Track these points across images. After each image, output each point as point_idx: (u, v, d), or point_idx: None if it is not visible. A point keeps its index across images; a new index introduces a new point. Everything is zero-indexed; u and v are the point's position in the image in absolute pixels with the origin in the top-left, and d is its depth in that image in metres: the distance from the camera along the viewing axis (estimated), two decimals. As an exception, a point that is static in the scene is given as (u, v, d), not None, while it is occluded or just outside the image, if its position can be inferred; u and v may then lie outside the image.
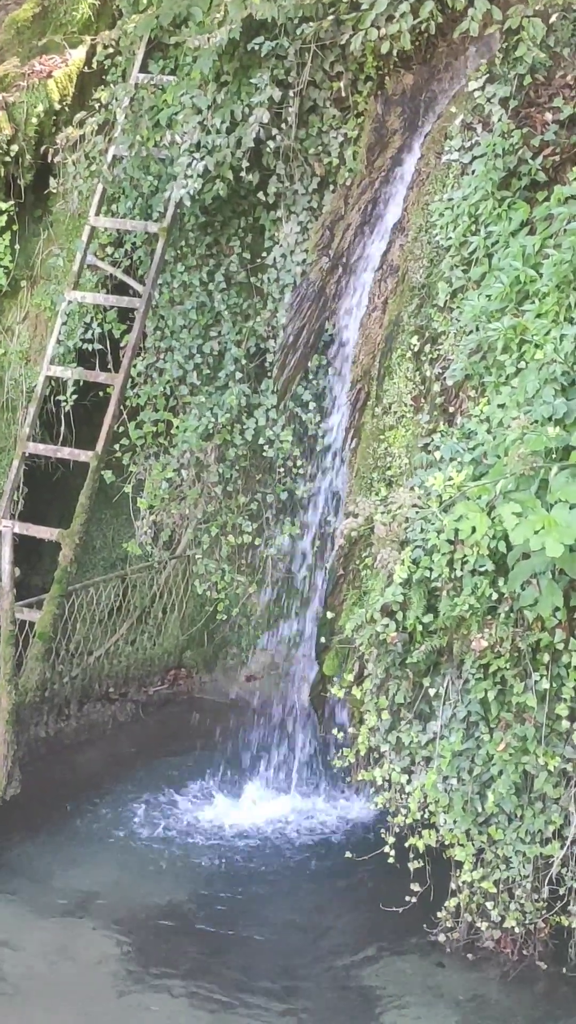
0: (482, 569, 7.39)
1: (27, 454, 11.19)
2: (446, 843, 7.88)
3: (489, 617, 7.46)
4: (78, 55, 12.03)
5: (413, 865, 7.93)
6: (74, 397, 11.44)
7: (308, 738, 10.48)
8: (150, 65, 11.40)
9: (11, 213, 11.90)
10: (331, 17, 10.10)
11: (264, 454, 11.12)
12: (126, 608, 11.38)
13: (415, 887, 7.96)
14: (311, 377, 10.83)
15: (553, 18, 9.20)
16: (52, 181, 11.76)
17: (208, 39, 10.30)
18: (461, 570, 7.47)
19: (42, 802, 9.80)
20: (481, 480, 7.53)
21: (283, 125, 10.43)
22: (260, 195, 10.87)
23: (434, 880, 7.99)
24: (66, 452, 11.09)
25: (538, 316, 8.08)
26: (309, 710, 10.19)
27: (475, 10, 9.55)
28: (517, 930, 7.81)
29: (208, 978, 7.91)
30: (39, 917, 8.52)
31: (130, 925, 8.44)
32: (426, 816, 7.91)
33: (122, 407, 11.10)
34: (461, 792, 7.66)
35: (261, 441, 11.06)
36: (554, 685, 7.39)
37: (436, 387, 9.12)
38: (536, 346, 7.95)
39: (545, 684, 7.36)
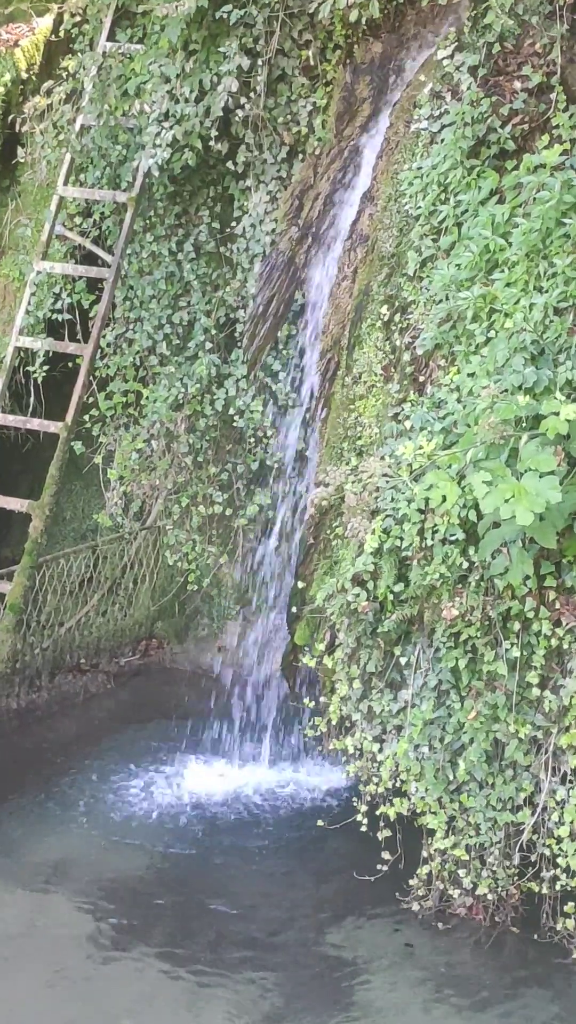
0: (452, 538, 7.41)
1: (-4, 425, 11.19)
2: (418, 811, 7.92)
3: (460, 586, 7.48)
4: (45, 23, 11.95)
5: (385, 834, 7.97)
6: (44, 368, 11.39)
7: (280, 707, 10.50)
8: (118, 34, 11.31)
9: (-22, 183, 11.86)
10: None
11: (234, 424, 11.11)
12: (97, 579, 11.36)
13: (387, 856, 7.99)
14: (281, 347, 10.82)
15: (522, -15, 9.17)
16: (20, 151, 11.69)
17: (176, 7, 10.23)
18: (432, 539, 7.49)
19: (14, 773, 9.80)
20: (451, 449, 7.54)
21: (252, 94, 10.38)
22: (229, 164, 10.82)
23: (406, 849, 8.03)
24: (36, 423, 11.06)
25: (507, 285, 8.08)
26: (280, 679, 10.21)
27: (443, -23, 9.52)
28: (489, 897, 7.85)
29: (179, 946, 7.93)
30: (10, 887, 8.51)
31: (102, 895, 8.44)
32: (398, 784, 7.94)
33: (92, 378, 11.07)
34: (432, 760, 7.70)
35: (231, 411, 11.05)
36: (524, 653, 7.42)
37: (406, 356, 9.11)
38: (506, 315, 7.96)
39: (515, 652, 7.39)
